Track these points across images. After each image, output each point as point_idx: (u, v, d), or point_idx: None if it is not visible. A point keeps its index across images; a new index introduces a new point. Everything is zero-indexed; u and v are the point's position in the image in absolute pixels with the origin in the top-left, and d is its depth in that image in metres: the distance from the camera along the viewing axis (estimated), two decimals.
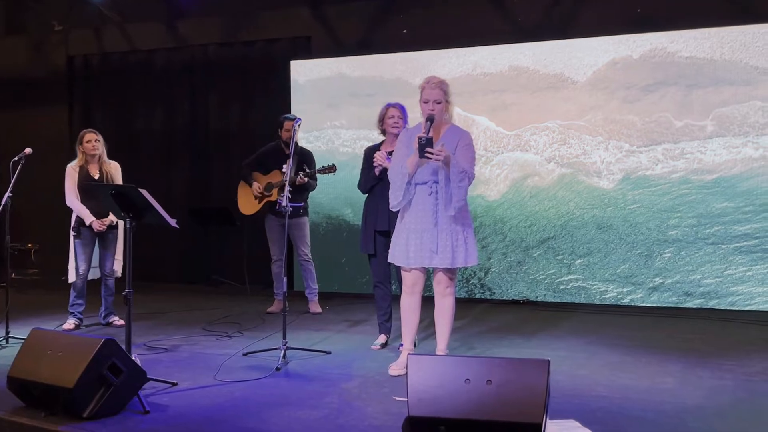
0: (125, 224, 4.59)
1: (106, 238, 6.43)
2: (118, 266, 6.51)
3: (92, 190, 6.03)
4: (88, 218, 6.27)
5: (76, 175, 6.36)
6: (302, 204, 6.65)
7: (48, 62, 9.90)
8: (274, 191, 6.88)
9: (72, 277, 6.42)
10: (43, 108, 9.87)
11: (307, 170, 6.69)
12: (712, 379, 4.66)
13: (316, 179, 6.88)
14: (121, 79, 9.61)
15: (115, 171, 6.50)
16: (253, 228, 8.23)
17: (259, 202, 7.05)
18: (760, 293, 6.89)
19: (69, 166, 6.43)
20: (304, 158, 6.91)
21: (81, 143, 6.40)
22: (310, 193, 7.11)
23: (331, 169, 6.57)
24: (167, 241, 8.97)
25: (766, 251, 6.87)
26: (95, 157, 6.40)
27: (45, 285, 8.70)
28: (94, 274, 6.53)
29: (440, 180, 4.56)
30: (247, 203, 7.14)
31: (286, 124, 6.82)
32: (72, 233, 6.38)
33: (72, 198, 6.36)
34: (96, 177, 6.37)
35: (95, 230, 6.30)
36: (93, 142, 6.37)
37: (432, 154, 4.39)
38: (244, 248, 8.24)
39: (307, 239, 7.08)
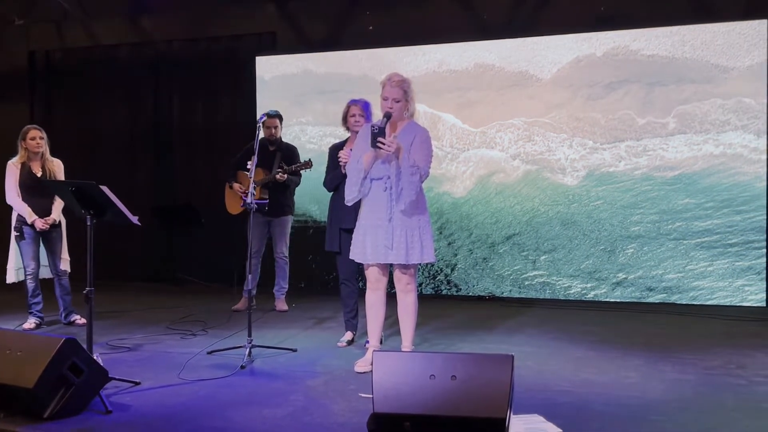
0: (87, 222, 4.51)
1: (50, 237, 6.27)
2: (64, 264, 6.38)
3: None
4: (30, 217, 6.12)
5: (18, 172, 6.21)
6: (266, 201, 6.61)
7: (7, 58, 9.70)
8: (257, 189, 6.83)
9: (11, 278, 6.29)
10: (2, 105, 9.68)
11: (285, 167, 6.65)
12: (674, 373, 4.73)
13: (298, 175, 6.83)
14: (84, 75, 9.46)
15: (57, 169, 6.34)
16: (222, 226, 8.18)
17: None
18: (721, 288, 7.00)
19: (10, 162, 6.25)
20: (289, 153, 6.88)
21: (24, 139, 6.23)
22: (295, 188, 7.05)
23: (307, 165, 6.55)
24: (131, 239, 8.86)
25: (727, 247, 6.99)
26: (38, 154, 6.24)
27: (5, 285, 8.53)
28: (46, 272, 6.40)
29: (393, 175, 4.55)
30: (233, 203, 7.10)
31: (267, 121, 6.78)
32: (14, 233, 6.21)
33: (13, 195, 6.18)
34: (38, 175, 6.21)
35: (38, 229, 6.16)
36: (37, 139, 6.21)
37: (383, 144, 4.39)
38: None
39: (287, 238, 7.04)
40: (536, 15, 7.65)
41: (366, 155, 4.58)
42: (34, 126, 6.39)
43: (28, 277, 6.24)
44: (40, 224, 6.13)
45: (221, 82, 8.91)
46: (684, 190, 7.12)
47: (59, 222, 6.30)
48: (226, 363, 4.96)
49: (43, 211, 6.19)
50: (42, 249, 6.32)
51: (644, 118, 7.22)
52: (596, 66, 7.36)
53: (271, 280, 7.21)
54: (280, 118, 6.91)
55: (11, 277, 6.32)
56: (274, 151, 6.84)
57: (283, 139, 7.10)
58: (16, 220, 6.21)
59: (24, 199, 6.17)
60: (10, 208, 6.30)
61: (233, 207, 7.12)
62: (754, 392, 4.28)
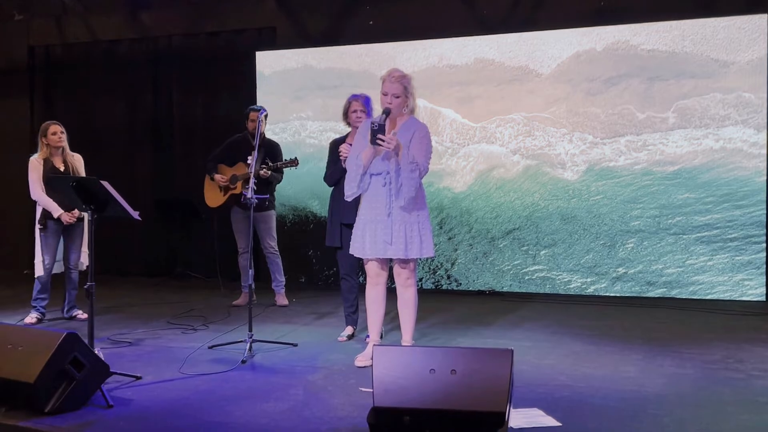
0: (87, 216, 4.53)
1: (73, 230, 6.33)
2: (85, 258, 6.41)
3: (53, 183, 5.94)
4: (57, 211, 6.16)
5: (41, 168, 6.24)
6: (267, 196, 6.62)
7: (8, 53, 9.70)
8: (239, 183, 6.84)
9: (39, 271, 6.33)
10: (2, 100, 9.68)
11: (270, 163, 6.65)
12: (673, 367, 4.74)
13: (281, 172, 6.85)
14: (84, 71, 9.46)
15: (78, 163, 6.42)
16: (222, 221, 8.20)
17: (224, 195, 7.00)
18: (721, 282, 7.01)
19: (32, 158, 6.30)
20: (271, 150, 6.87)
21: (45, 135, 6.27)
22: (277, 185, 7.09)
23: (293, 162, 6.54)
24: (132, 234, 8.87)
25: (727, 241, 7.00)
26: (59, 149, 6.30)
27: (5, 279, 8.56)
28: (57, 267, 6.43)
29: (392, 171, 4.56)
30: (213, 196, 7.10)
31: (252, 115, 6.78)
32: (38, 226, 6.27)
33: (37, 191, 6.23)
34: (61, 169, 6.27)
35: (65, 223, 6.21)
36: (58, 134, 6.27)
37: (383, 141, 4.40)
38: (214, 242, 8.15)
39: (274, 232, 7.06)
40: (536, 9, 7.64)
41: (365, 151, 4.59)
42: (55, 122, 6.42)
43: (44, 271, 6.27)
44: (66, 218, 6.19)
45: (221, 77, 8.90)
46: (684, 185, 7.13)
47: (83, 216, 6.34)
48: (227, 358, 4.98)
49: (69, 205, 6.23)
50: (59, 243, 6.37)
51: (644, 112, 7.22)
52: (596, 61, 7.36)
53: (267, 275, 7.22)
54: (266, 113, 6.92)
55: (39, 271, 6.34)
56: (257, 147, 6.82)
57: (285, 134, 7.11)
58: (41, 215, 6.26)
59: (48, 194, 6.21)
60: (33, 204, 6.34)
61: (212, 200, 7.12)
62: (752, 386, 4.29)
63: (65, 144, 6.32)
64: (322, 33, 8.40)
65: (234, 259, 7.24)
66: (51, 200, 6.20)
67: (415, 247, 4.62)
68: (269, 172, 6.61)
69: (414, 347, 4.42)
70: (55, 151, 6.29)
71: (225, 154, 7.02)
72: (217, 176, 6.95)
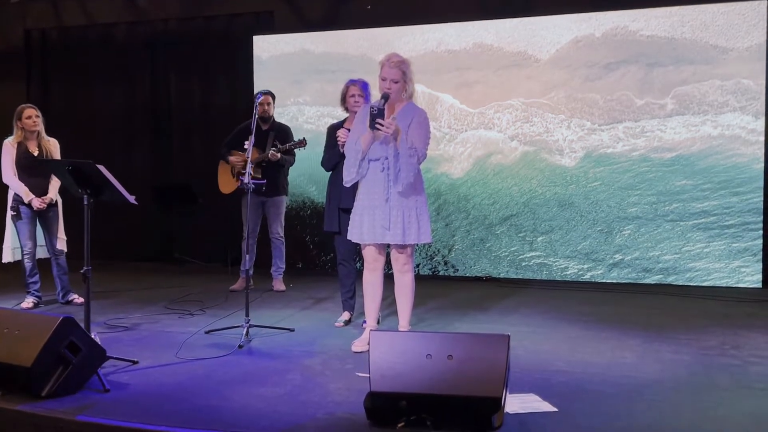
0: (84, 201, 4.51)
1: (46, 216, 6.26)
2: (61, 244, 6.37)
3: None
4: (27, 196, 6.12)
5: (14, 152, 6.19)
6: (264, 181, 6.60)
7: (4, 36, 9.64)
8: (252, 168, 6.81)
9: (7, 257, 6.30)
10: None
11: (279, 146, 6.64)
12: (669, 353, 4.75)
13: (292, 154, 6.82)
14: (80, 54, 9.40)
15: (53, 148, 6.33)
16: (219, 206, 8.18)
17: (236, 181, 6.99)
18: (717, 269, 7.02)
19: (6, 141, 6.24)
20: (282, 133, 6.85)
21: (20, 119, 6.21)
22: (290, 168, 7.05)
23: (301, 143, 6.54)
24: (128, 219, 8.84)
25: (724, 228, 7.00)
26: (34, 133, 6.23)
27: (3, 265, 8.54)
28: (43, 252, 6.40)
29: (390, 156, 4.55)
30: (226, 182, 7.09)
31: (261, 99, 6.75)
32: (10, 212, 6.21)
33: (9, 175, 6.18)
34: (35, 154, 6.20)
35: (35, 208, 6.16)
36: (33, 117, 6.20)
37: (382, 125, 4.39)
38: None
39: (282, 218, 7.05)
40: None
41: (364, 136, 4.57)
42: (29, 105, 6.37)
43: (26, 256, 6.25)
44: (37, 203, 6.13)
45: (218, 61, 8.86)
46: (681, 172, 7.12)
47: (56, 201, 6.29)
48: (224, 342, 4.98)
49: (40, 190, 6.19)
50: (39, 229, 6.32)
51: (642, 99, 7.21)
52: (595, 46, 7.33)
53: (267, 260, 7.22)
54: (273, 96, 6.90)
55: (7, 257, 6.33)
56: (267, 131, 6.82)
57: (281, 120, 7.09)
58: (13, 200, 6.21)
59: (20, 179, 6.17)
60: (6, 188, 6.29)
61: (226, 186, 7.11)
62: (748, 372, 4.31)
63: (41, 128, 6.24)
64: (320, 17, 8.35)
65: (230, 243, 7.22)
66: (22, 185, 6.15)
67: (412, 233, 4.61)
68: (278, 155, 6.60)
69: (411, 332, 4.42)
70: (29, 135, 6.22)
71: (237, 140, 6.97)
72: (232, 158, 6.92)
